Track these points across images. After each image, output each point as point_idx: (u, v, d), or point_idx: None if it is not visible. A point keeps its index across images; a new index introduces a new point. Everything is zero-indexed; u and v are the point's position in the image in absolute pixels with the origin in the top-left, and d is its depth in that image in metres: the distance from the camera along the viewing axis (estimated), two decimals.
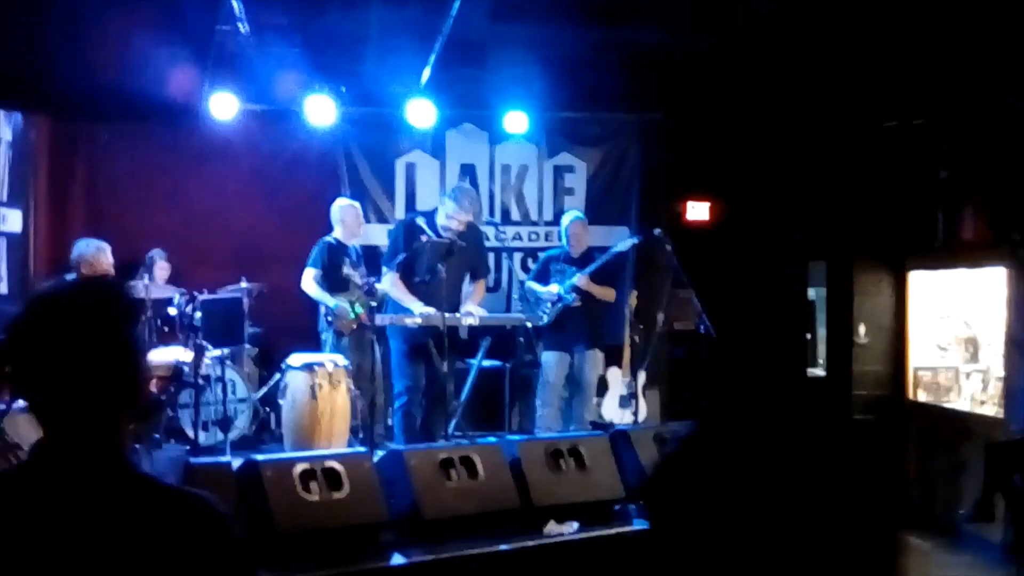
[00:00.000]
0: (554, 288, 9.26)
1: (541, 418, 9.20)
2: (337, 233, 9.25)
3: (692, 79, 10.53)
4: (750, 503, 1.13)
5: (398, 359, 8.12)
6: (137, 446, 5.60)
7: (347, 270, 9.03)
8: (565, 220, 9.75)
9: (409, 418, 8.02)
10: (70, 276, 7.61)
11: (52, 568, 1.86)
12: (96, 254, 7.91)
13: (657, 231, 9.24)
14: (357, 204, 9.66)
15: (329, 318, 9.00)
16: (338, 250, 9.14)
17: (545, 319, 9.17)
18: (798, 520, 1.11)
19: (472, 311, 8.17)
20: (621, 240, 10.29)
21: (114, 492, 1.94)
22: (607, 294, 9.29)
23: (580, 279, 9.18)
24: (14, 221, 9.92)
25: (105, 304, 2.02)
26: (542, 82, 10.45)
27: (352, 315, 8.73)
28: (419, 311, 7.80)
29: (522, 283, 10.51)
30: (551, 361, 9.27)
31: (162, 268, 9.75)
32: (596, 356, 9.39)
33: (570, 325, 9.22)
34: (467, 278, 8.64)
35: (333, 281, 9.01)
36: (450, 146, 11.40)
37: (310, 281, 9.00)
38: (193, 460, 6.75)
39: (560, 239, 9.80)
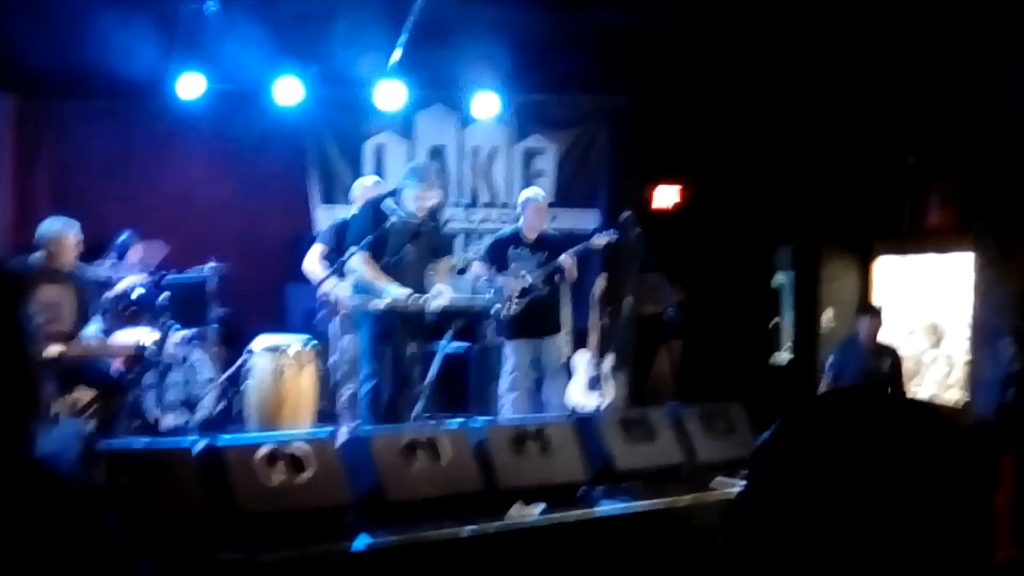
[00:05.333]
0: (515, 286, 8.90)
1: (511, 403, 9.02)
2: (354, 211, 9.07)
3: (663, 63, 10.53)
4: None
5: (367, 342, 8.05)
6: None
7: None
8: (525, 196, 9.34)
9: (376, 400, 7.98)
10: (35, 255, 7.61)
11: None
12: (62, 232, 7.85)
13: (626, 215, 9.21)
14: (383, 183, 9.44)
15: (328, 297, 8.87)
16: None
17: (513, 309, 8.92)
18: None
19: (442, 290, 8.10)
20: (592, 226, 10.30)
21: None
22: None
23: (567, 259, 8.85)
24: None
25: None
26: (513, 64, 10.43)
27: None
28: (393, 293, 7.72)
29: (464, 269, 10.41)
30: (515, 350, 9.06)
31: (136, 251, 9.66)
32: (560, 340, 9.32)
33: (535, 312, 8.98)
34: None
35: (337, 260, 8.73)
36: (420, 128, 11.39)
37: (314, 256, 8.84)
38: (153, 441, 6.73)
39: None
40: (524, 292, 8.92)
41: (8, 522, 1.85)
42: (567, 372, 9.43)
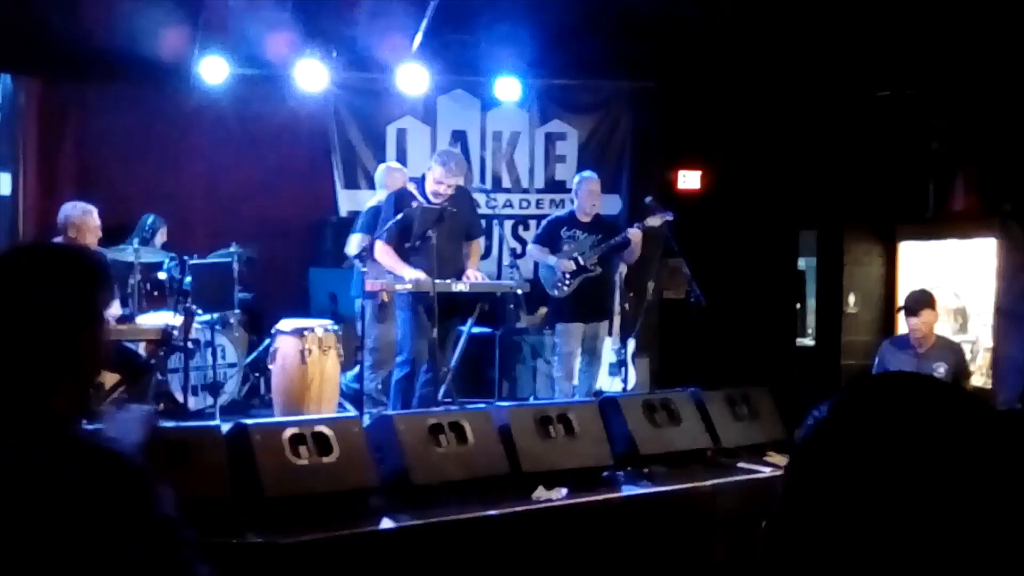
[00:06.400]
0: (568, 264, 8.83)
1: (561, 388, 8.91)
2: (380, 196, 9.09)
3: (685, 46, 10.49)
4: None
5: (404, 328, 8.06)
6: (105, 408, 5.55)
7: None
8: (579, 177, 9.32)
9: (409, 387, 7.99)
10: (57, 239, 7.64)
11: None
12: (83, 216, 7.87)
13: (648, 199, 9.17)
14: (404, 169, 9.43)
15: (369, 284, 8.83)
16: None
17: (565, 291, 8.87)
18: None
19: (471, 275, 8.11)
20: (615, 211, 10.28)
21: (34, 451, 1.92)
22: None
23: (636, 232, 8.74)
24: (3, 184, 9.91)
25: (64, 266, 2.02)
26: (535, 48, 10.42)
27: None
28: (410, 277, 7.75)
29: (513, 251, 10.47)
30: (568, 332, 8.93)
31: (163, 235, 9.69)
32: (606, 326, 9.26)
33: (587, 294, 8.93)
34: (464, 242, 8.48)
35: None
36: (441, 112, 11.36)
37: (353, 248, 8.87)
38: (180, 424, 6.77)
39: (553, 204, 9.66)
40: (577, 272, 8.87)
41: (73, 500, 1.88)
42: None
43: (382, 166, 9.52)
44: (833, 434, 1.14)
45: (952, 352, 8.10)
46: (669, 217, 8.80)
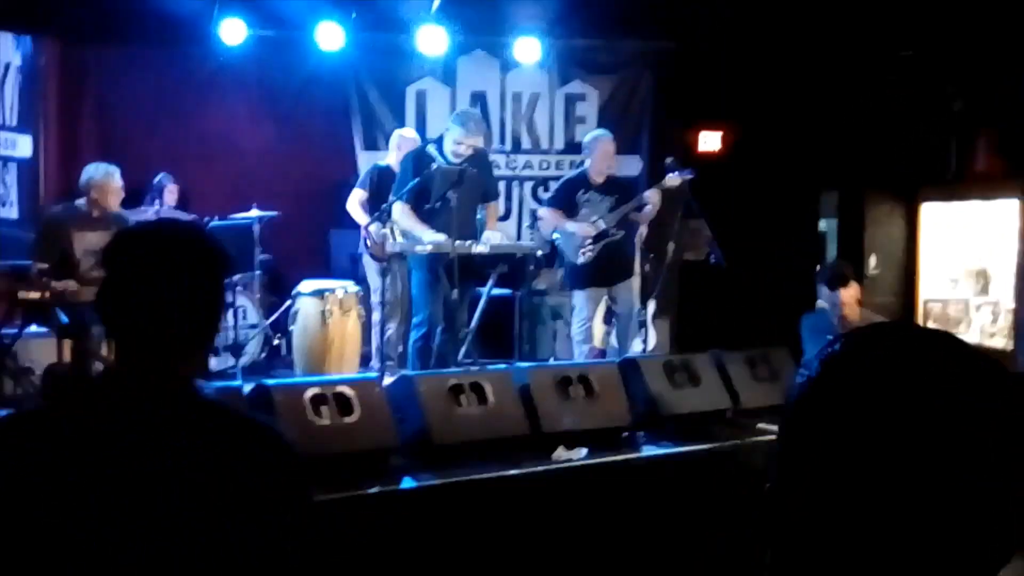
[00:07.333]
0: (589, 230, 8.62)
1: (583, 354, 8.74)
2: (390, 159, 9.09)
3: (706, 6, 10.42)
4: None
5: (420, 289, 8.05)
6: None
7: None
8: (591, 136, 9.03)
9: (426, 348, 8.00)
10: (79, 201, 7.66)
11: (127, 491, 1.92)
12: (105, 178, 7.88)
13: (669, 160, 9.11)
14: (417, 138, 9.30)
15: (368, 241, 8.92)
16: (388, 175, 8.78)
17: (587, 256, 8.68)
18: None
19: (491, 237, 8.08)
20: (635, 172, 10.25)
21: (188, 418, 2.03)
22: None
23: (653, 195, 8.57)
24: (24, 146, 9.94)
25: (210, 245, 2.14)
26: (554, 9, 10.37)
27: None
28: (429, 238, 7.75)
29: (533, 212, 10.42)
30: (587, 298, 8.78)
31: (171, 192, 9.74)
32: (634, 283, 9.08)
33: (609, 259, 8.71)
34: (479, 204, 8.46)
35: (377, 206, 8.62)
36: (461, 73, 11.34)
37: (354, 202, 8.93)
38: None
39: (573, 166, 9.50)
40: (599, 237, 8.67)
41: (225, 465, 2.01)
42: (609, 317, 9.28)
43: (397, 131, 9.49)
44: (825, 391, 1.13)
45: None
46: (689, 176, 8.51)
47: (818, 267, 6.79)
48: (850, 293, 7.18)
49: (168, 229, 2.30)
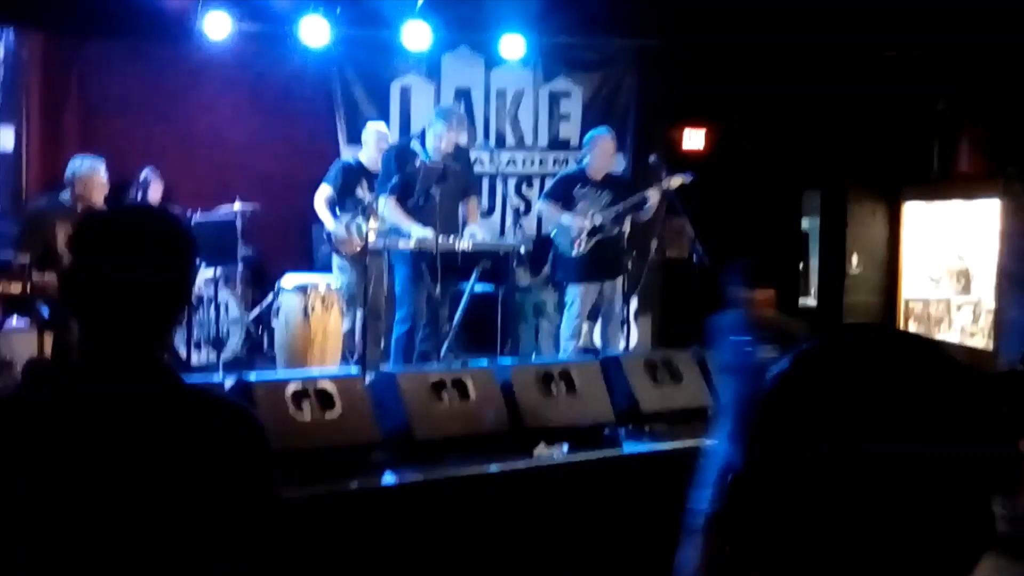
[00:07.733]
0: (585, 223, 8.65)
1: (573, 350, 8.78)
2: (360, 155, 9.09)
3: (690, 3, 10.43)
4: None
5: (403, 285, 8.06)
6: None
7: (361, 193, 8.74)
8: (591, 134, 9.10)
9: (408, 344, 8.00)
10: (64, 194, 7.64)
11: (102, 473, 1.95)
12: (90, 172, 7.85)
13: (652, 158, 9.13)
14: (388, 131, 9.38)
15: (332, 239, 8.92)
16: (356, 172, 8.87)
17: (582, 249, 8.72)
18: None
19: (475, 233, 8.09)
20: (619, 169, 10.24)
21: (162, 399, 2.06)
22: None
23: (654, 194, 8.59)
24: (6, 138, 9.90)
25: (175, 226, 2.17)
26: (539, 5, 10.35)
27: (358, 236, 8.52)
28: (417, 234, 7.75)
29: (517, 209, 10.43)
30: (581, 294, 8.82)
31: (156, 188, 9.71)
32: (618, 283, 9.03)
33: (603, 254, 8.77)
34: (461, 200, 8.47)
35: (345, 202, 8.75)
36: (445, 70, 11.32)
37: (321, 198, 8.91)
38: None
39: (557, 163, 9.54)
40: (593, 231, 8.73)
41: (201, 446, 2.04)
42: (593, 314, 9.27)
43: (371, 127, 9.39)
44: (795, 387, 1.14)
45: (792, 338, 5.43)
46: (689, 178, 8.61)
47: (731, 263, 5.66)
48: (768, 293, 5.91)
49: (132, 211, 2.39)
